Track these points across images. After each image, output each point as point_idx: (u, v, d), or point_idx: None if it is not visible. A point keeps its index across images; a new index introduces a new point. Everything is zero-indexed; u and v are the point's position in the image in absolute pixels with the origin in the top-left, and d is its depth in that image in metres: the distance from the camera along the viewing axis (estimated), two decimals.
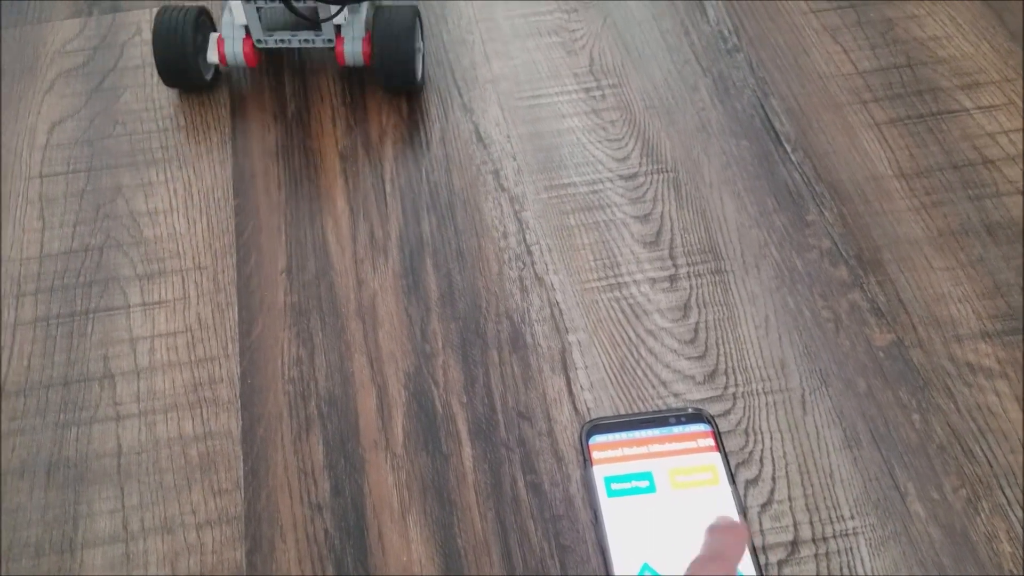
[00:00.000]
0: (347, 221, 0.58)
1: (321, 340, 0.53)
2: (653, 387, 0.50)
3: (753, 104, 0.63)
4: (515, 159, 0.61)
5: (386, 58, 0.60)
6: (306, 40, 0.62)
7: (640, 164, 0.60)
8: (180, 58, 0.62)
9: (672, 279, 0.55)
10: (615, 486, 0.46)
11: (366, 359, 0.52)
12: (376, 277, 0.56)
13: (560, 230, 0.57)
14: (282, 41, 0.62)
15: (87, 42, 0.69)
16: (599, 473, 0.46)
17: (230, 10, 0.62)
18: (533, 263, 0.56)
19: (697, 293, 0.54)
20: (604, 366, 0.51)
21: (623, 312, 0.53)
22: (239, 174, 0.61)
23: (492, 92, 0.65)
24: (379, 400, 0.51)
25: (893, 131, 0.61)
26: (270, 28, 0.62)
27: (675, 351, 0.52)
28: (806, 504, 0.46)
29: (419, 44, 0.63)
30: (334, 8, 0.59)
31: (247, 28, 0.62)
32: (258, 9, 0.60)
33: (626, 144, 0.61)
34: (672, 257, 0.56)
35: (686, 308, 0.53)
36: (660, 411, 0.49)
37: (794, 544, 0.45)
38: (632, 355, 0.52)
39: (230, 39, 0.62)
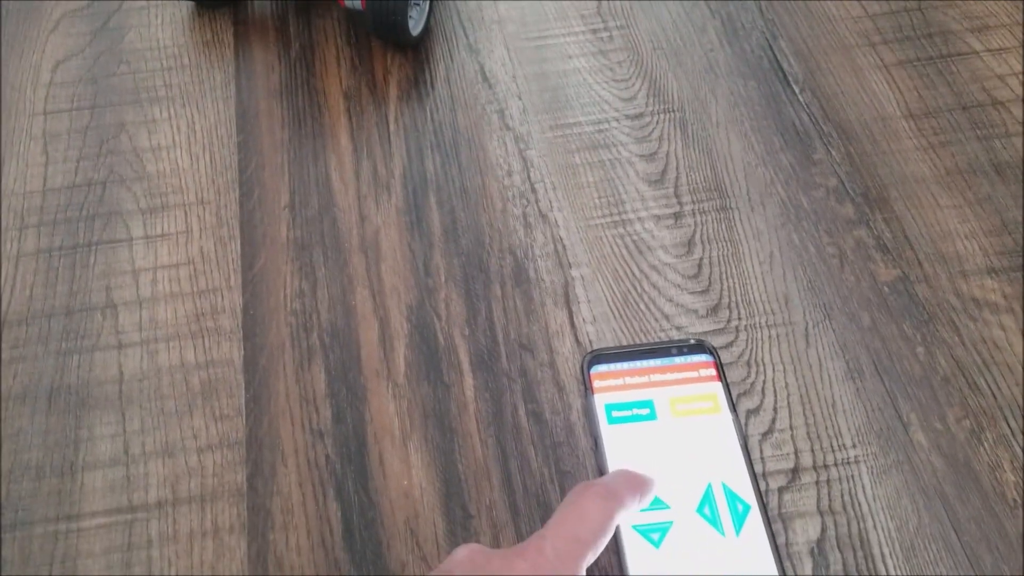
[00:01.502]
0: (351, 159, 0.58)
1: (324, 274, 0.53)
2: (656, 320, 0.50)
3: (761, 45, 0.62)
4: (520, 99, 0.61)
5: (376, 10, 0.58)
6: None
7: (646, 104, 0.60)
8: None
9: (677, 216, 0.54)
10: (616, 413, 0.45)
11: (368, 292, 0.52)
12: (379, 213, 0.55)
13: (565, 168, 0.57)
14: None
15: None
16: (600, 401, 0.46)
17: None
18: (537, 200, 0.56)
19: (701, 230, 0.54)
20: (607, 300, 0.51)
21: (627, 248, 0.53)
22: (243, 112, 0.60)
23: (498, 32, 0.64)
24: (381, 332, 0.50)
25: (902, 72, 0.61)
26: None
27: (678, 286, 0.51)
28: (807, 433, 0.46)
29: (420, 1, 0.62)
30: None
31: None
32: None
33: (633, 84, 0.61)
34: (677, 195, 0.55)
35: (690, 244, 0.53)
36: (662, 342, 0.48)
37: (795, 471, 0.45)
38: (635, 289, 0.51)
39: None
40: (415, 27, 0.61)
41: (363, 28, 0.65)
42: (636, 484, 0.39)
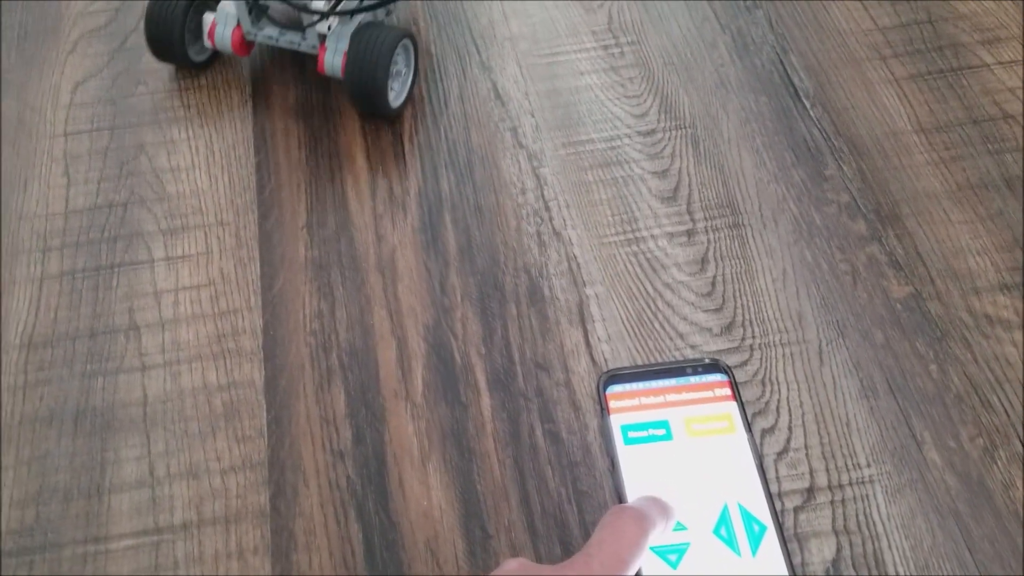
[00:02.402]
0: (366, 178, 0.59)
1: (342, 294, 0.54)
2: (670, 339, 0.51)
3: (772, 60, 0.63)
4: (533, 116, 0.61)
5: (355, 82, 0.57)
6: (292, 42, 0.60)
7: (658, 120, 0.60)
8: (168, 35, 0.61)
9: (690, 233, 0.55)
10: (632, 434, 0.46)
11: (386, 312, 0.53)
12: (395, 232, 0.56)
13: (578, 186, 0.58)
14: (269, 38, 0.60)
15: (109, 4, 0.70)
16: (616, 421, 0.47)
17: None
18: (551, 218, 0.56)
19: (714, 247, 0.54)
20: (621, 319, 0.52)
21: (640, 266, 0.54)
22: (260, 132, 0.61)
23: (510, 50, 0.65)
24: (399, 352, 0.51)
25: (912, 87, 0.61)
26: (263, 23, 0.61)
27: (692, 304, 0.52)
28: (822, 452, 0.46)
29: (403, 71, 0.61)
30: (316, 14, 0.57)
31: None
32: (247, 4, 0.59)
33: (644, 101, 0.61)
34: (690, 212, 0.56)
35: (703, 262, 0.54)
36: (677, 361, 0.49)
37: (810, 491, 0.45)
38: (649, 308, 0.52)
39: (222, 24, 0.61)
40: (396, 99, 0.60)
41: None
42: (663, 509, 0.41)
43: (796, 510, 0.45)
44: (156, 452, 0.48)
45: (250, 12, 0.59)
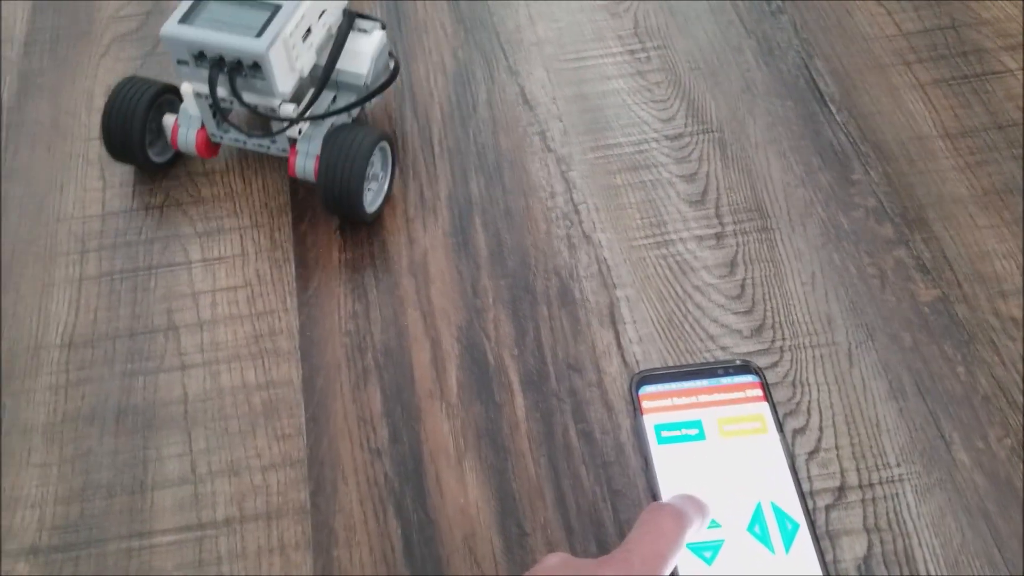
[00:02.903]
0: (397, 182, 0.60)
1: (375, 296, 0.54)
2: (701, 341, 0.52)
3: (797, 65, 0.64)
4: (561, 120, 0.62)
5: (329, 188, 0.53)
6: (260, 145, 0.57)
7: (685, 125, 0.61)
8: (127, 137, 0.57)
9: (718, 236, 0.56)
10: (665, 433, 0.47)
11: (419, 314, 0.54)
12: (426, 236, 0.57)
13: (607, 189, 0.58)
14: (236, 141, 0.57)
15: (140, 7, 0.71)
16: (649, 421, 0.47)
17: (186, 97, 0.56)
18: (580, 221, 0.57)
19: (743, 250, 0.55)
20: (652, 320, 0.53)
21: (670, 269, 0.55)
22: None
23: (537, 55, 0.66)
24: (433, 353, 0.52)
25: (937, 92, 0.62)
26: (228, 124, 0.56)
27: (722, 306, 0.53)
28: (852, 452, 0.47)
29: (380, 174, 0.57)
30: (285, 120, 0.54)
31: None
32: (210, 107, 0.55)
33: (671, 105, 0.62)
34: (718, 215, 0.57)
35: (733, 265, 0.54)
36: (708, 363, 0.50)
37: (841, 490, 0.46)
38: (680, 310, 0.53)
39: (185, 126, 0.57)
40: (372, 203, 0.56)
41: (403, 53, 0.66)
42: (699, 506, 0.41)
43: (828, 508, 0.45)
44: (197, 449, 0.49)
45: (214, 115, 0.56)
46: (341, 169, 0.53)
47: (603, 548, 0.45)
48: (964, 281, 0.53)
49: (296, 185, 0.59)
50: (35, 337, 0.54)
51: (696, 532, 0.41)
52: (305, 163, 0.55)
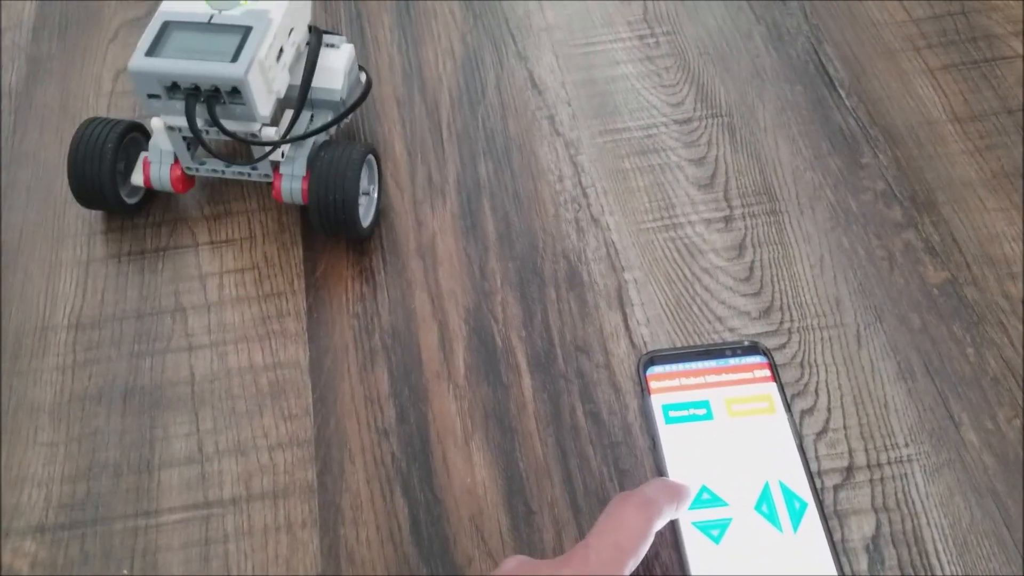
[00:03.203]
0: (405, 165, 0.60)
1: (383, 278, 0.54)
2: (709, 322, 0.51)
3: (807, 51, 0.63)
4: (570, 105, 0.62)
5: (321, 208, 0.52)
6: (240, 173, 0.54)
7: (694, 109, 0.61)
8: (96, 180, 0.54)
9: (727, 220, 0.56)
10: (672, 413, 0.47)
11: (427, 296, 0.54)
12: (435, 218, 0.57)
13: (615, 173, 0.58)
14: (215, 172, 0.55)
15: None
16: (656, 402, 0.47)
17: (157, 132, 0.54)
18: (589, 205, 0.57)
19: (752, 233, 0.55)
20: (660, 303, 0.52)
21: (678, 251, 0.54)
22: None
23: (546, 40, 0.66)
24: (441, 334, 0.52)
25: (947, 77, 0.61)
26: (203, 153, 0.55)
27: (730, 288, 0.53)
28: (861, 432, 0.47)
29: (368, 188, 0.56)
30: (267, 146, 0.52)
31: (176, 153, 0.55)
32: (184, 139, 0.53)
33: (680, 90, 0.62)
34: (727, 199, 0.57)
35: (741, 248, 0.54)
36: (716, 344, 0.50)
37: (849, 470, 0.46)
38: (688, 292, 0.53)
39: (157, 163, 0.54)
40: (364, 218, 0.55)
41: (412, 32, 0.66)
42: (672, 492, 0.41)
43: (836, 488, 0.45)
44: (204, 429, 0.49)
45: (188, 147, 0.54)
46: (333, 187, 0.51)
47: None
48: (973, 263, 0.52)
49: None
50: (43, 318, 0.54)
51: (668, 519, 0.40)
52: (291, 186, 0.53)
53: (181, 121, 0.50)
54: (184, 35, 0.50)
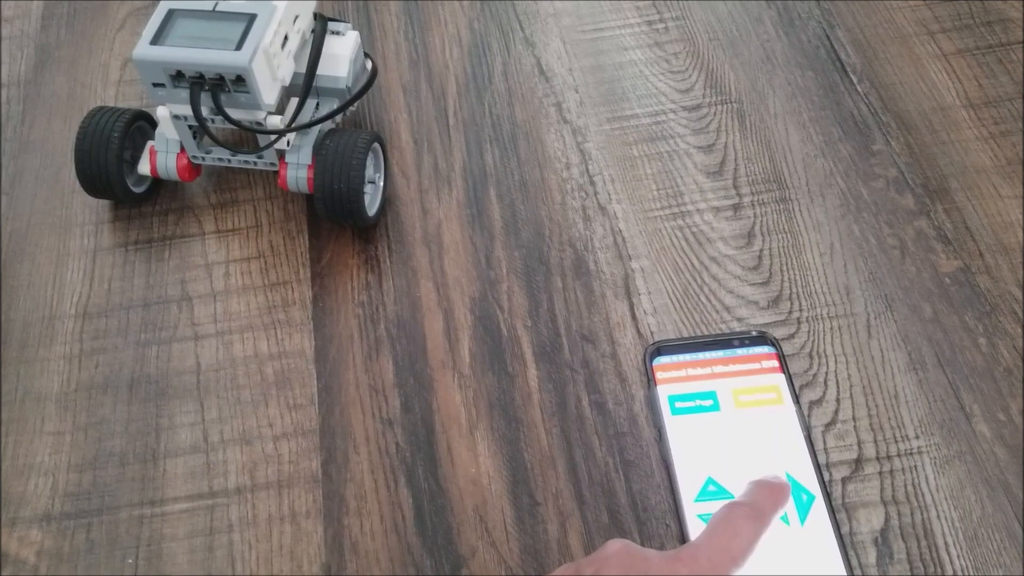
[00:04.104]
0: (411, 153, 0.59)
1: (389, 266, 0.54)
2: (716, 312, 0.51)
3: (818, 35, 0.62)
4: (577, 92, 0.61)
5: (328, 196, 0.52)
6: (247, 162, 0.54)
7: (704, 95, 0.60)
8: (102, 170, 0.54)
9: (736, 208, 0.55)
10: (679, 404, 0.46)
11: (432, 284, 0.53)
12: (441, 207, 0.57)
13: (623, 161, 0.58)
14: (220, 160, 0.55)
15: None
16: (663, 392, 0.47)
17: (163, 121, 0.54)
18: (596, 193, 0.56)
19: (761, 221, 0.54)
20: (667, 292, 0.52)
21: (686, 240, 0.54)
22: None
23: (554, 26, 0.65)
24: (446, 323, 0.52)
25: (961, 62, 0.60)
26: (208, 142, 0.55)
27: (739, 277, 0.52)
28: (870, 424, 0.46)
29: (375, 176, 0.55)
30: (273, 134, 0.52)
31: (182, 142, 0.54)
32: (190, 127, 0.53)
33: (689, 76, 0.61)
34: (736, 186, 0.56)
35: (750, 236, 0.54)
36: (724, 334, 0.49)
37: (858, 462, 0.45)
38: (695, 281, 0.52)
39: (163, 152, 0.54)
40: (371, 206, 0.54)
41: (420, 21, 0.66)
42: (778, 498, 0.40)
43: (844, 480, 0.45)
44: (210, 419, 0.49)
45: (194, 135, 0.54)
46: (339, 175, 0.51)
47: (615, 518, 0.45)
48: (986, 252, 0.52)
49: None
50: (50, 307, 0.54)
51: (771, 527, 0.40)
52: (297, 174, 0.53)
53: (186, 109, 0.50)
54: (188, 23, 0.50)
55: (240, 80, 0.49)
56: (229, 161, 0.55)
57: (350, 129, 0.54)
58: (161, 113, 0.53)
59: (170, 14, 0.50)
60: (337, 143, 0.52)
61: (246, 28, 0.49)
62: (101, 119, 0.54)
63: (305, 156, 0.53)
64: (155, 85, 0.50)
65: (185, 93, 0.49)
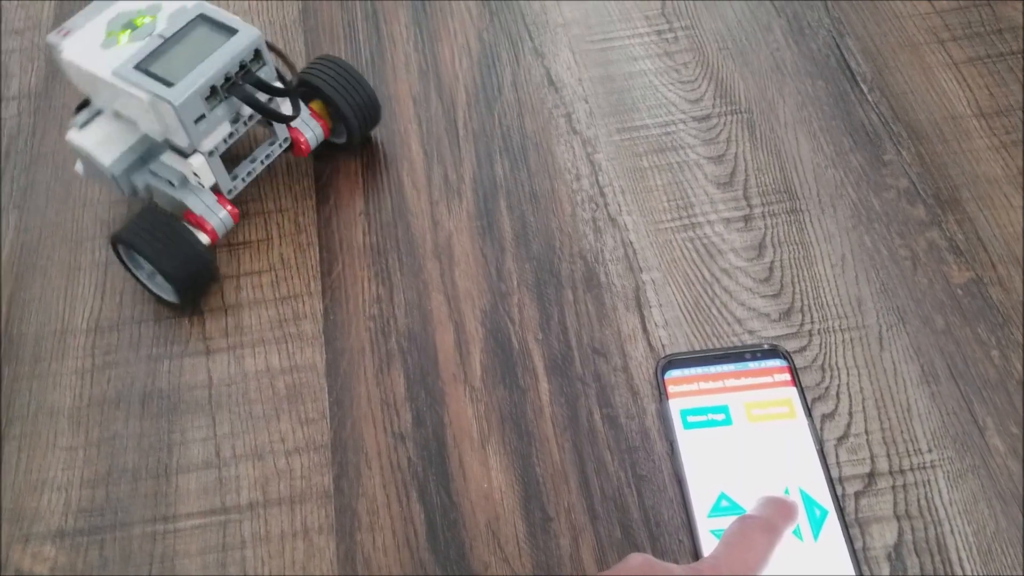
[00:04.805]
0: (422, 165, 0.59)
1: (399, 279, 0.54)
2: (728, 324, 0.51)
3: (828, 44, 0.62)
4: (587, 102, 0.61)
5: (356, 113, 0.56)
6: (268, 156, 0.55)
7: (713, 105, 0.60)
8: (203, 283, 0.53)
9: (747, 219, 0.55)
10: (691, 419, 0.46)
11: (443, 297, 0.53)
12: (451, 218, 0.57)
13: (633, 172, 0.58)
14: (251, 174, 0.55)
15: None
16: (675, 406, 0.47)
17: (192, 182, 0.52)
18: (606, 204, 0.56)
19: (772, 233, 0.54)
20: (678, 304, 0.52)
21: (697, 252, 0.54)
22: None
23: (563, 36, 0.65)
24: (457, 336, 0.52)
25: (972, 70, 0.60)
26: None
27: (750, 289, 0.52)
28: (883, 437, 0.46)
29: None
30: (292, 106, 0.53)
31: (215, 187, 0.53)
32: (210, 156, 0.51)
33: (699, 86, 0.61)
34: (746, 197, 0.56)
35: (761, 247, 0.54)
36: (736, 347, 0.49)
37: (871, 476, 0.45)
38: (707, 293, 0.52)
39: (211, 215, 0.53)
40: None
41: (429, 31, 0.66)
42: (788, 513, 0.41)
43: (857, 495, 0.45)
44: (222, 434, 0.49)
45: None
46: (352, 92, 0.56)
47: (628, 534, 0.45)
48: (999, 263, 0.51)
49: (319, 169, 0.59)
50: (62, 321, 0.54)
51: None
52: (313, 129, 0.56)
53: (224, 132, 0.51)
54: (166, 59, 0.49)
55: (257, 57, 0.50)
56: (256, 168, 0.55)
57: (324, 64, 0.56)
58: (197, 162, 0.51)
59: (146, 62, 0.49)
60: (323, 76, 0.55)
61: (212, 21, 0.50)
62: (177, 235, 0.51)
63: (306, 112, 0.56)
64: (197, 121, 0.49)
65: (224, 109, 0.50)
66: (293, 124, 0.55)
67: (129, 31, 0.51)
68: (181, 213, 0.53)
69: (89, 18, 0.52)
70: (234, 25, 0.50)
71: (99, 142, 0.52)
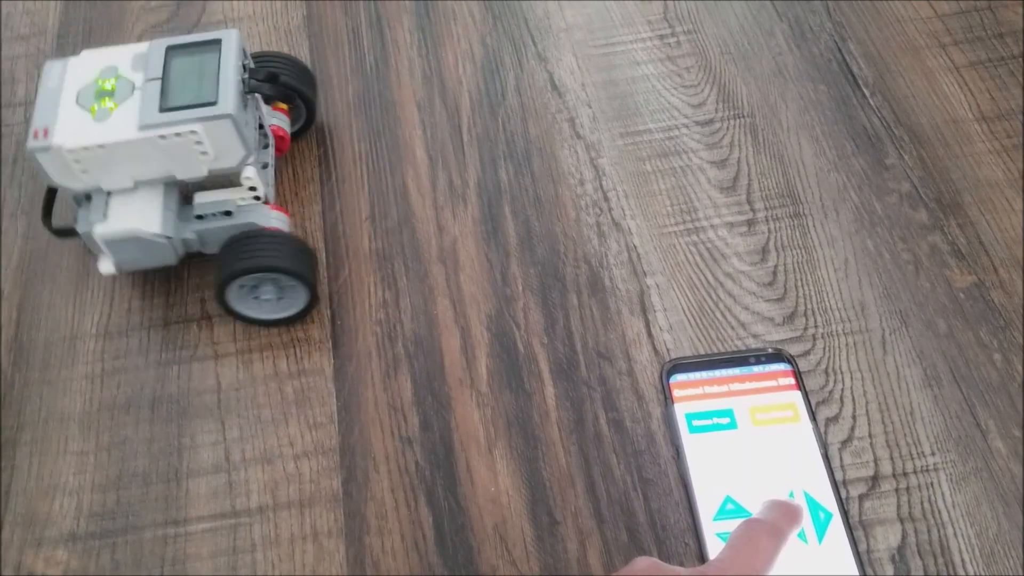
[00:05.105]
0: (426, 170, 0.60)
1: (405, 284, 0.55)
2: (732, 328, 0.51)
3: (830, 48, 0.63)
4: (590, 107, 0.62)
5: (305, 82, 0.59)
6: (270, 157, 0.55)
7: (716, 110, 0.61)
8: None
9: (750, 223, 0.55)
10: (696, 423, 0.47)
11: (449, 302, 0.54)
12: (456, 223, 0.57)
13: (636, 176, 0.58)
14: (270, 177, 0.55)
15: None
16: (680, 410, 0.47)
17: (247, 196, 0.52)
18: (610, 209, 0.57)
19: (775, 237, 0.54)
20: (683, 308, 0.52)
21: (701, 256, 0.54)
22: (321, 126, 0.62)
23: (566, 41, 0.65)
24: (463, 341, 0.52)
25: (973, 74, 0.61)
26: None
27: (754, 293, 0.52)
28: (886, 441, 0.47)
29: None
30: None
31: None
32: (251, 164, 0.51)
33: (702, 90, 0.62)
34: (750, 202, 0.56)
35: (764, 251, 0.54)
36: (740, 351, 0.50)
37: (875, 479, 0.46)
38: (711, 297, 0.53)
39: (275, 221, 0.52)
40: None
41: (432, 37, 0.66)
42: (794, 516, 0.40)
43: (861, 498, 0.45)
44: (231, 438, 0.50)
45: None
46: (287, 66, 0.58)
47: (634, 537, 0.45)
48: (1000, 266, 0.52)
49: (326, 174, 0.60)
50: (71, 327, 0.54)
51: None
52: (281, 120, 0.58)
53: (256, 137, 0.52)
54: (179, 88, 0.48)
55: (246, 54, 0.52)
56: (270, 175, 0.55)
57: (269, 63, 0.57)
58: (250, 172, 0.50)
59: (165, 102, 0.48)
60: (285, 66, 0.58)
61: (190, 46, 0.50)
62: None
63: (264, 107, 0.56)
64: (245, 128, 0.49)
65: (251, 114, 0.51)
66: (277, 123, 0.57)
67: (109, 97, 0.48)
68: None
69: (53, 108, 0.48)
70: (210, 37, 0.50)
71: (138, 218, 0.49)
